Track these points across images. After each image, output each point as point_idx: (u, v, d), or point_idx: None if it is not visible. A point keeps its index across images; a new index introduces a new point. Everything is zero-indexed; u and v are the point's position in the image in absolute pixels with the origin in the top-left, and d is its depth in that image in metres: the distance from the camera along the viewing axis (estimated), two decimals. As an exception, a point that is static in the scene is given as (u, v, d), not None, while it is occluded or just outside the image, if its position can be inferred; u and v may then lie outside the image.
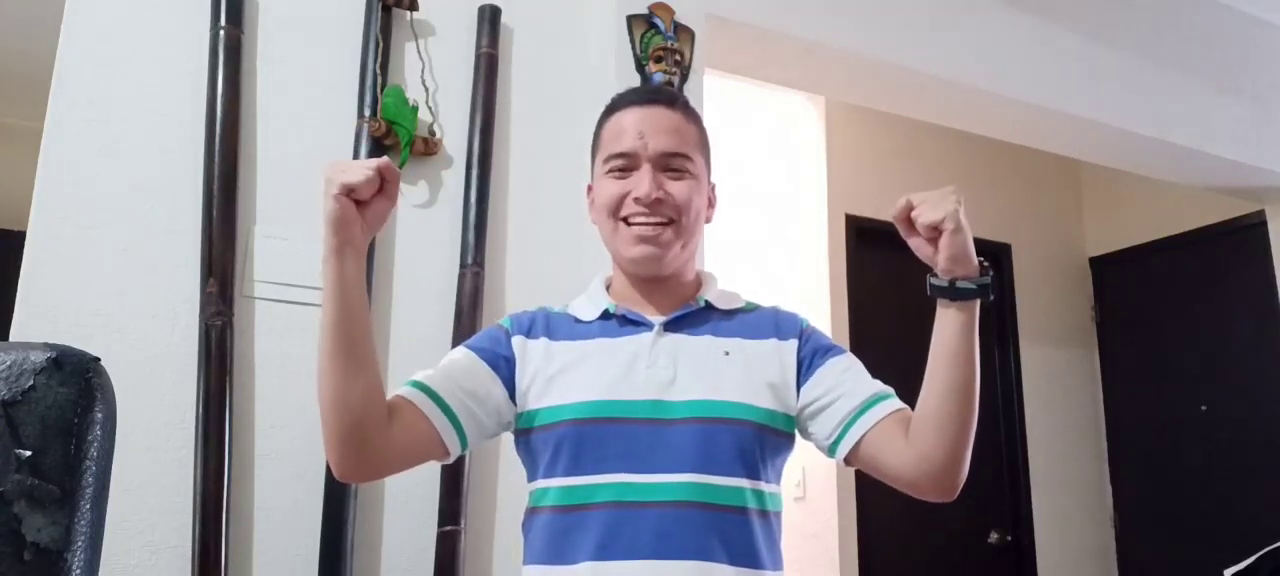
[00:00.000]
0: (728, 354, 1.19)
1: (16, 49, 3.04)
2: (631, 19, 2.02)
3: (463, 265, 1.82)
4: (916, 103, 2.75)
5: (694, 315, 1.22)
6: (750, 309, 1.29)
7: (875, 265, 3.49)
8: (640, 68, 2.00)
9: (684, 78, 2.05)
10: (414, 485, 1.72)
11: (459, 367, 1.18)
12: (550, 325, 1.23)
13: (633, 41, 2.01)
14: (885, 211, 4.05)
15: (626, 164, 1.20)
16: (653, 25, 2.04)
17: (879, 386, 1.21)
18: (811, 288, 3.36)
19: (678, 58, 2.04)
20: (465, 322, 1.78)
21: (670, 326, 1.20)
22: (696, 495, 1.10)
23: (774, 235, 3.57)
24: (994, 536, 3.58)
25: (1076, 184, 4.26)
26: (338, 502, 1.62)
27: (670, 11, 2.06)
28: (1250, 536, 2.36)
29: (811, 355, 1.22)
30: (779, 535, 1.19)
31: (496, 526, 1.80)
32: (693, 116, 1.26)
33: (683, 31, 2.08)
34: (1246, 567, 1.90)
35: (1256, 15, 3.26)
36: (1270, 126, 3.20)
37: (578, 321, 1.23)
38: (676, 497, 1.10)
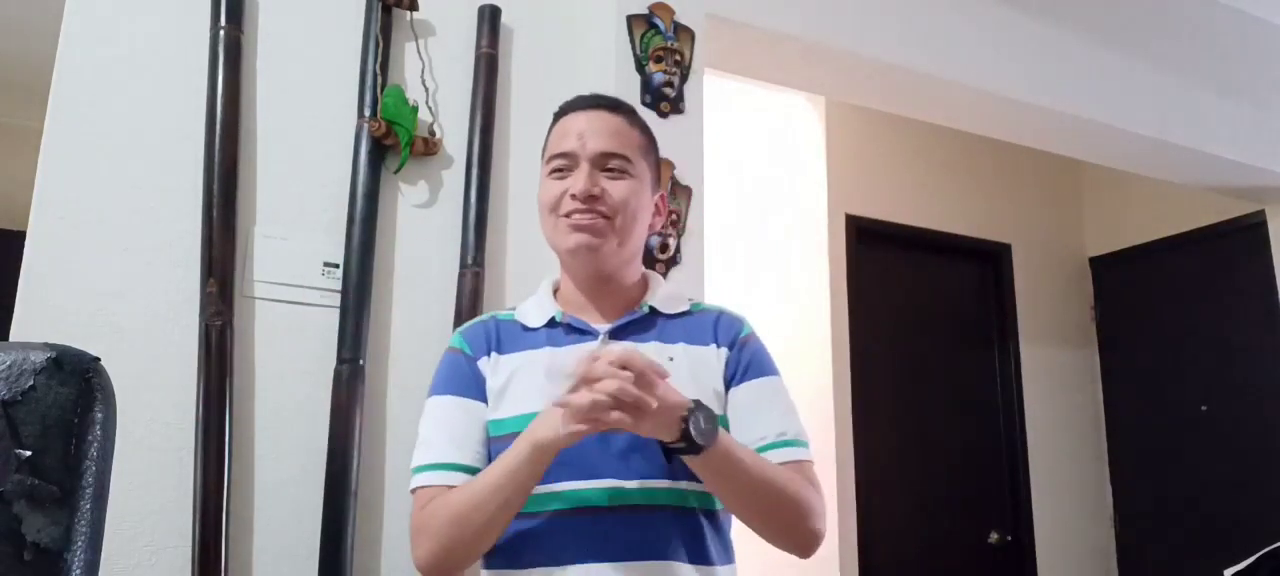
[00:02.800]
0: (672, 359, 1.20)
1: (16, 49, 3.04)
2: (631, 19, 2.02)
3: (463, 265, 1.82)
4: (916, 103, 2.75)
5: (639, 321, 1.24)
6: (696, 310, 1.29)
7: (875, 265, 3.49)
8: (640, 68, 2.00)
9: (684, 78, 2.05)
10: (414, 485, 1.72)
11: (464, 424, 1.20)
12: (499, 336, 1.25)
13: (633, 41, 2.01)
14: (885, 211, 4.06)
15: (566, 164, 1.22)
16: (653, 25, 2.04)
17: (784, 428, 1.21)
18: (811, 288, 3.36)
19: (677, 58, 2.04)
20: (465, 323, 1.78)
21: (616, 334, 1.22)
22: (646, 498, 1.13)
23: (774, 235, 3.57)
24: (994, 536, 3.58)
25: (1076, 184, 4.26)
26: (338, 502, 1.61)
27: (670, 11, 2.06)
28: (1250, 536, 2.36)
29: (739, 369, 1.23)
30: (728, 531, 1.23)
31: (496, 526, 1.80)
32: (637, 123, 1.28)
33: (683, 31, 2.08)
34: (1246, 568, 1.90)
35: (1256, 15, 3.26)
36: (1270, 126, 3.20)
37: (525, 329, 1.25)
38: (628, 502, 1.12)
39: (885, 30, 2.46)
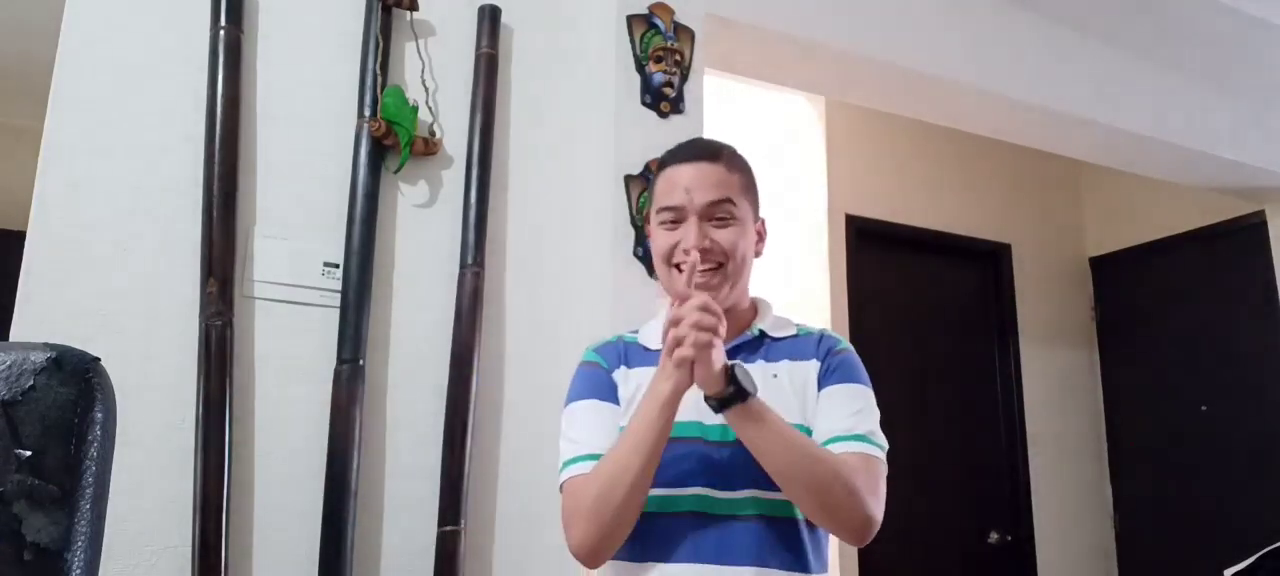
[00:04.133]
0: (776, 376, 1.30)
1: (16, 49, 3.04)
2: (631, 19, 2.02)
3: (463, 265, 1.82)
4: (916, 103, 2.75)
5: (749, 343, 1.34)
6: (801, 333, 1.38)
7: (875, 265, 3.49)
8: (640, 68, 2.00)
9: (684, 78, 2.05)
10: (414, 485, 1.72)
11: (608, 422, 1.29)
12: (627, 353, 1.36)
13: (633, 41, 2.01)
14: (885, 211, 4.05)
15: (676, 216, 1.32)
16: (653, 25, 2.04)
17: (853, 425, 1.26)
18: (812, 287, 3.36)
19: (677, 58, 2.04)
20: (465, 323, 1.78)
21: (728, 355, 1.31)
22: (755, 508, 1.21)
23: (774, 235, 3.56)
24: (994, 536, 3.58)
25: (1076, 184, 4.26)
26: (338, 502, 1.62)
27: (670, 11, 2.06)
28: (1250, 536, 2.36)
29: (826, 373, 1.32)
30: (825, 540, 1.30)
31: (496, 526, 1.80)
32: (736, 165, 1.38)
33: (683, 31, 2.07)
34: (1246, 567, 1.90)
35: (1256, 15, 3.26)
36: (1270, 126, 3.20)
37: (647, 350, 1.35)
38: (739, 511, 1.22)
39: (885, 30, 2.46)
